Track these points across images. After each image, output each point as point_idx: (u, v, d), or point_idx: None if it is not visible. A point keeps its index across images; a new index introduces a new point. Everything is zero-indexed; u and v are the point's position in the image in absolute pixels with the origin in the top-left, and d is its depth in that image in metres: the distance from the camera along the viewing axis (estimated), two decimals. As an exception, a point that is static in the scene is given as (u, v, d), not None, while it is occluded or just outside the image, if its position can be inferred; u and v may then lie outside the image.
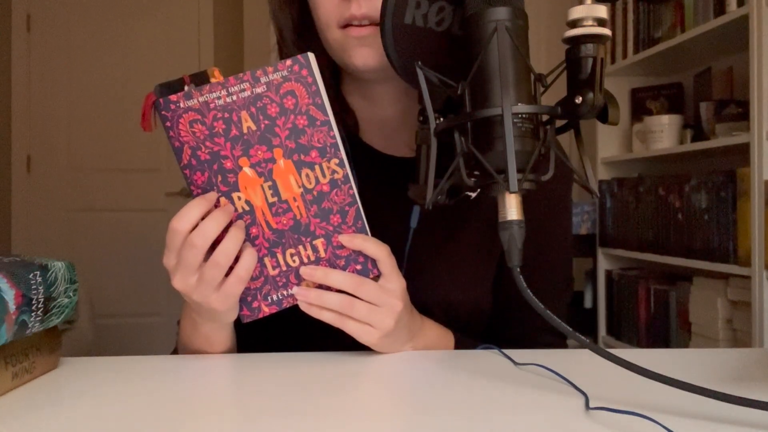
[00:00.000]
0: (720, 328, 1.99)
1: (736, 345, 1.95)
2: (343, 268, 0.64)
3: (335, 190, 0.62)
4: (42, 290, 0.56)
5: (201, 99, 0.61)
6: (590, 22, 0.54)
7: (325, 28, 0.73)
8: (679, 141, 2.28)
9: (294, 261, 0.64)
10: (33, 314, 0.55)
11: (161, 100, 0.61)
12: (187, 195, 3.41)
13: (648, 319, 2.37)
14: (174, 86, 0.61)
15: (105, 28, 3.38)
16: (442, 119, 0.58)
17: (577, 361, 0.64)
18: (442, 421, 0.46)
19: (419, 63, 0.59)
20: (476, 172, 0.56)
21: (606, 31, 0.54)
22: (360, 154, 0.80)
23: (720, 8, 1.96)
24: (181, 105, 0.61)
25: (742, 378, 0.57)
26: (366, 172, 0.77)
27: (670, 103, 2.46)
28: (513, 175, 0.52)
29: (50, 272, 0.58)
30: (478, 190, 0.58)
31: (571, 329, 0.52)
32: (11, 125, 3.35)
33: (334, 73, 0.82)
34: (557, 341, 0.81)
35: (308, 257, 0.64)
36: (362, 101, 0.81)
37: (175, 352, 0.79)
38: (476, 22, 0.55)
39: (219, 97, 0.60)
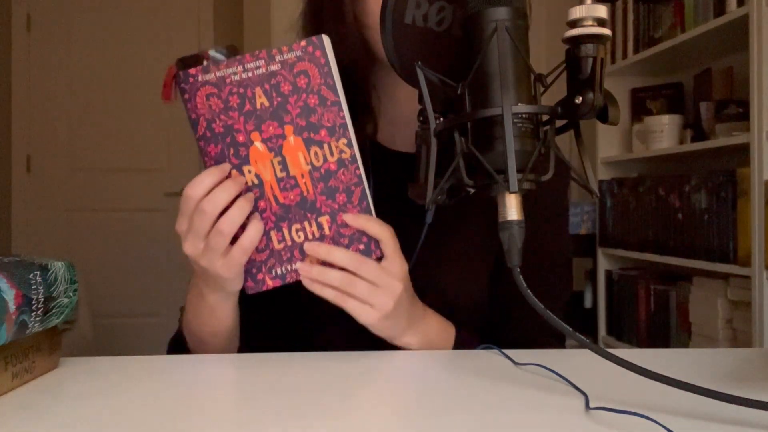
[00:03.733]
0: (720, 328, 1.99)
1: (736, 345, 1.95)
2: (347, 247, 0.65)
3: (342, 170, 0.64)
4: (42, 290, 0.56)
5: (218, 74, 0.63)
6: (590, 22, 0.54)
7: (373, 25, 0.72)
8: (679, 141, 2.28)
9: (299, 236, 0.65)
10: (33, 314, 0.55)
11: (181, 72, 0.64)
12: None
13: (648, 319, 2.37)
14: (194, 60, 0.64)
15: (105, 27, 3.38)
16: (442, 119, 0.58)
17: (577, 361, 0.64)
18: (442, 420, 0.46)
19: (419, 63, 0.59)
20: (479, 171, 0.56)
21: (606, 31, 0.54)
22: (372, 150, 0.80)
23: (720, 8, 1.96)
24: (199, 79, 0.64)
25: (742, 378, 0.57)
26: (378, 169, 0.78)
27: (670, 103, 2.45)
28: (513, 175, 0.52)
29: (50, 272, 0.58)
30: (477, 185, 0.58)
31: (571, 329, 0.52)
32: (11, 125, 3.35)
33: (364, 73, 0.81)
34: (557, 344, 0.81)
35: (313, 234, 0.65)
36: (384, 98, 0.81)
37: (172, 342, 0.79)
38: (476, 22, 0.55)
39: (235, 73, 0.63)
